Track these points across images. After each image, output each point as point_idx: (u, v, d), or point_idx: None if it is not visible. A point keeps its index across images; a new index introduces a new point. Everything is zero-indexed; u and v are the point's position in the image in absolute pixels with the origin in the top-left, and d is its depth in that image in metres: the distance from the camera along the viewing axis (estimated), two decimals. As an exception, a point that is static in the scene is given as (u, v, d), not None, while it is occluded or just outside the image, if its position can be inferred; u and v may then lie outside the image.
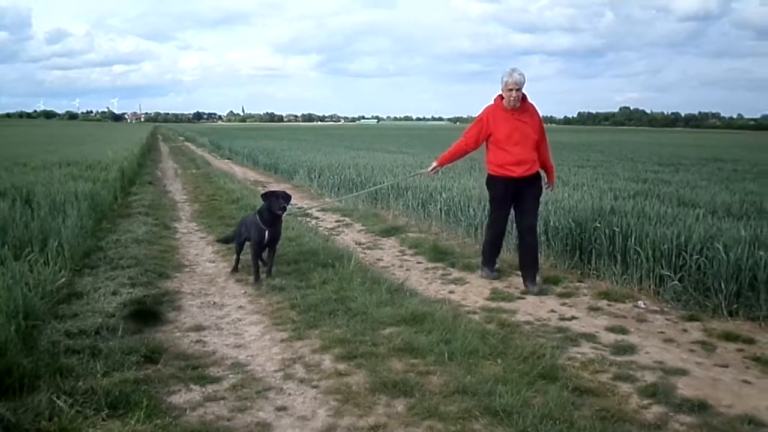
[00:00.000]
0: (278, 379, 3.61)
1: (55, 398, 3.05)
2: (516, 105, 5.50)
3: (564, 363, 3.75)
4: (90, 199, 8.18)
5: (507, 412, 3.01)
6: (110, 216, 9.14)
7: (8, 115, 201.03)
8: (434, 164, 6.05)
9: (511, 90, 5.43)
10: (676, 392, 3.42)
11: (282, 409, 3.23)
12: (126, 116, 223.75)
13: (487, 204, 6.13)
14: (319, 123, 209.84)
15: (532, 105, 5.69)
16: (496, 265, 6.06)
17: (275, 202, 5.68)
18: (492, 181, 5.74)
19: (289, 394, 3.41)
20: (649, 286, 5.49)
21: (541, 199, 5.83)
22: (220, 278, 5.94)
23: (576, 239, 6.32)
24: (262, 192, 6.08)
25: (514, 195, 5.63)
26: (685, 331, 4.55)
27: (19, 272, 4.54)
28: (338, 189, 12.17)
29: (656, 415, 3.14)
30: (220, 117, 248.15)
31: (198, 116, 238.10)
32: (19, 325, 3.73)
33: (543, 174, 5.81)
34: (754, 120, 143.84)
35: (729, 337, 4.36)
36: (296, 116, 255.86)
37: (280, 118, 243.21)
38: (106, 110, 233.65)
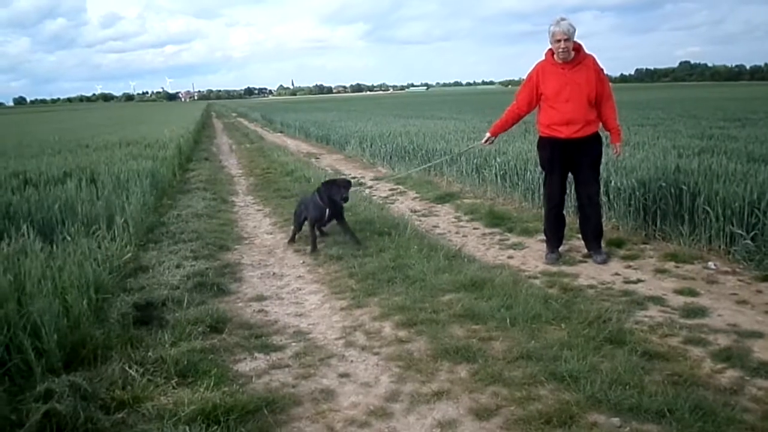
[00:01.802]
0: (340, 346, 3.64)
1: (127, 368, 3.16)
2: (567, 58, 4.90)
3: (631, 327, 3.63)
4: (150, 177, 8.40)
5: (574, 377, 2.94)
6: (170, 192, 9.38)
7: (69, 100, 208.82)
8: (487, 135, 5.67)
9: (559, 41, 4.84)
10: (752, 356, 3.26)
11: (345, 375, 3.25)
12: (180, 95, 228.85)
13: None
14: (369, 93, 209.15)
15: (590, 57, 5.06)
16: (561, 247, 5.41)
17: (336, 192, 5.64)
18: (540, 143, 5.32)
19: (351, 361, 3.43)
20: (720, 247, 5.24)
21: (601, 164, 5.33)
22: (278, 249, 6.02)
23: (639, 200, 6.08)
24: (323, 181, 6.02)
25: (566, 160, 5.10)
26: (760, 292, 4.33)
27: (89, 249, 4.72)
28: (390, 157, 12.11)
29: (731, 380, 3.00)
30: (270, 91, 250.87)
31: (249, 92, 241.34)
32: (90, 298, 3.88)
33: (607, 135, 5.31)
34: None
35: (808, 297, 4.13)
36: (345, 87, 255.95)
37: (330, 90, 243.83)
38: (160, 90, 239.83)
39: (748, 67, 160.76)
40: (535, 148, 5.71)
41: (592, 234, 5.28)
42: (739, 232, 5.06)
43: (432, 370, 3.22)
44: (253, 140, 20.67)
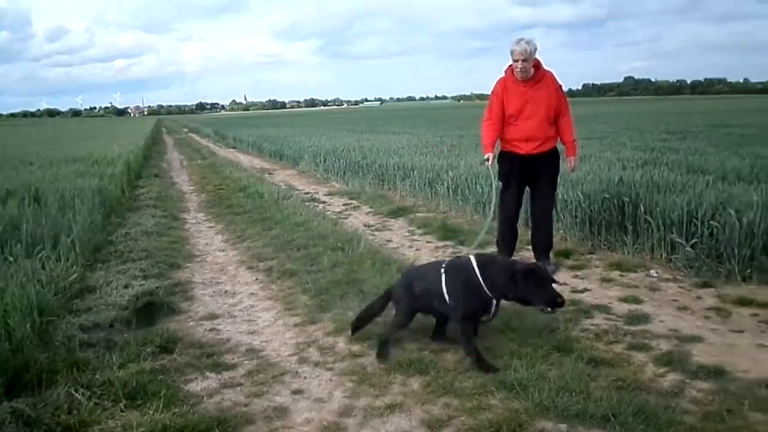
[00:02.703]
0: (293, 363, 3.62)
1: (73, 392, 3.07)
2: (526, 76, 5.03)
3: (578, 335, 3.75)
4: (98, 194, 8.21)
5: (523, 385, 3.01)
6: (119, 210, 9.16)
7: (12, 115, 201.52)
8: (487, 156, 5.22)
9: (517, 61, 4.97)
10: (692, 359, 3.40)
11: (298, 392, 3.25)
12: (129, 110, 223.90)
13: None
14: (323, 108, 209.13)
15: (549, 73, 5.18)
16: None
17: (547, 292, 3.44)
18: (500, 157, 5.35)
19: (305, 377, 3.42)
20: (661, 255, 5.45)
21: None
22: (230, 266, 5.96)
23: (585, 212, 6.28)
24: (518, 268, 3.49)
25: (524, 174, 5.22)
26: (699, 298, 4.52)
27: (32, 270, 4.57)
28: (344, 173, 12.15)
29: (673, 383, 3.13)
30: (223, 107, 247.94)
31: (201, 107, 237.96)
32: (34, 321, 3.76)
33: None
34: (761, 83, 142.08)
35: (743, 302, 4.33)
36: (299, 102, 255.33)
37: (283, 105, 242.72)
38: (109, 105, 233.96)
39: (688, 82, 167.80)
40: (492, 164, 5.80)
41: (542, 246, 5.40)
42: (679, 240, 5.28)
43: (385, 383, 3.24)
44: (205, 156, 20.40)
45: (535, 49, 5.01)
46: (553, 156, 5.26)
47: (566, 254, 5.73)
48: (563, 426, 2.70)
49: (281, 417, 2.99)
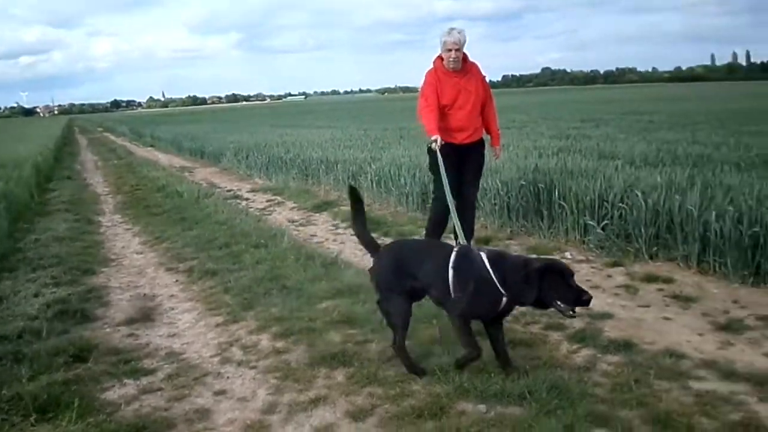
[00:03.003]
0: (215, 363, 3.55)
1: (-24, 410, 2.90)
2: (458, 67, 5.00)
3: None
4: (3, 199, 7.74)
5: (444, 371, 3.08)
6: (27, 215, 8.67)
7: None
8: (434, 137, 4.82)
9: (450, 50, 4.91)
10: (603, 335, 3.58)
11: (221, 393, 3.19)
12: (38, 110, 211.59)
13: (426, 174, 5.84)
14: (245, 103, 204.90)
15: (475, 64, 5.18)
16: None
17: (570, 290, 2.93)
18: (430, 148, 5.06)
19: (228, 377, 3.37)
20: (575, 237, 5.70)
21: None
22: (149, 269, 5.77)
23: (504, 199, 6.47)
24: (539, 268, 2.94)
25: (456, 164, 5.08)
26: (610, 276, 4.76)
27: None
28: (267, 168, 11.98)
29: (585, 358, 3.29)
30: (139, 104, 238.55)
31: (116, 105, 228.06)
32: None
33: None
34: (668, 72, 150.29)
35: (650, 278, 4.60)
36: (220, 98, 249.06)
37: (204, 101, 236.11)
38: (15, 105, 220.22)
39: (602, 72, 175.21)
40: (411, 154, 5.84)
41: (467, 235, 5.46)
42: (591, 223, 5.54)
43: (309, 377, 3.23)
44: (121, 156, 19.61)
45: (466, 39, 5.01)
46: (481, 146, 5.32)
47: (486, 241, 5.88)
48: (482, 406, 2.78)
49: (203, 419, 2.93)
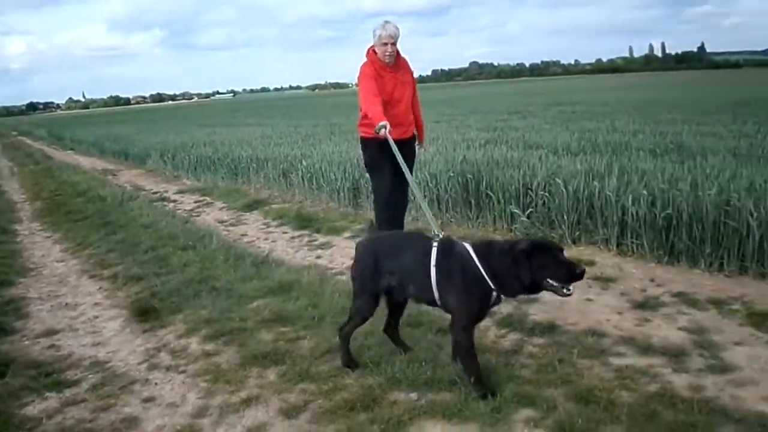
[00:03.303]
0: (143, 370, 3.45)
1: None
2: (392, 61, 4.83)
3: (427, 309, 3.89)
4: None
5: (376, 362, 3.11)
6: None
7: None
8: (383, 123, 4.46)
9: (386, 44, 4.73)
10: (529, 319, 3.69)
11: (149, 400, 3.10)
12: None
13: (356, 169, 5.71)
14: (171, 102, 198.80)
15: (405, 60, 5.03)
16: None
17: (561, 267, 2.72)
18: (368, 145, 4.94)
19: (156, 383, 3.28)
20: (503, 226, 5.86)
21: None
22: (71, 277, 5.53)
23: (433, 191, 6.57)
24: (524, 248, 2.72)
25: (394, 161, 4.64)
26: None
27: None
28: (195, 168, 11.68)
29: (512, 342, 3.38)
30: (58, 106, 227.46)
31: (32, 107, 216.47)
32: None
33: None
34: (590, 64, 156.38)
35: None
36: (145, 98, 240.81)
37: (127, 101, 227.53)
38: None
39: (527, 65, 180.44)
40: (342, 149, 5.69)
41: (399, 224, 5.28)
42: (517, 211, 5.69)
43: (241, 378, 3.19)
44: (38, 161, 18.65)
45: (400, 33, 4.87)
46: (413, 141, 5.20)
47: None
48: (413, 395, 2.82)
49: (131, 428, 2.85)
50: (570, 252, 4.96)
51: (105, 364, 3.58)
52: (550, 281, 2.70)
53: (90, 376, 3.43)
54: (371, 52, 4.88)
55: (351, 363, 3.14)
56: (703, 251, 4.51)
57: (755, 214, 4.32)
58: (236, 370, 3.28)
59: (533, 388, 2.81)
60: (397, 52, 4.91)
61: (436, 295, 2.87)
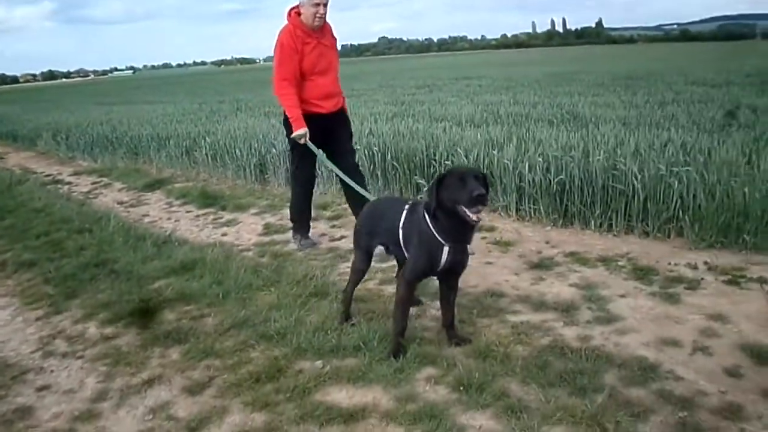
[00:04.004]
0: (37, 359, 3.28)
1: None
2: (320, 25, 4.39)
3: (335, 279, 3.94)
4: None
5: (281, 334, 3.11)
6: None
7: None
8: (303, 131, 4.41)
9: (318, 5, 4.29)
10: (432, 284, 3.78)
11: (44, 388, 2.96)
12: None
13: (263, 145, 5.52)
14: (65, 80, 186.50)
15: (329, 25, 4.58)
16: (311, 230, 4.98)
17: (463, 189, 2.66)
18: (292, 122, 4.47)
19: (51, 371, 3.13)
20: (409, 197, 5.94)
21: None
22: (-48, 268, 5.14)
23: (340, 164, 6.56)
24: (437, 176, 2.85)
25: (324, 136, 4.56)
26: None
27: None
28: (92, 148, 11.06)
29: (416, 309, 3.46)
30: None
31: None
32: None
33: None
34: (496, 39, 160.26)
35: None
36: (35, 75, 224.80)
37: (15, 80, 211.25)
38: None
39: (435, 40, 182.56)
40: (248, 125, 5.46)
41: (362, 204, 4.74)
42: (421, 181, 5.81)
43: (142, 359, 3.10)
44: None
45: None
46: (345, 111, 4.83)
47: (324, 206, 5.93)
48: (319, 363, 2.85)
49: (25, 417, 2.71)
50: (473, 219, 5.14)
51: (-6, 356, 3.37)
52: (461, 207, 2.66)
53: (-23, 368, 3.23)
54: (293, 14, 4.42)
55: (345, 317, 3.25)
56: (594, 213, 4.80)
57: (639, 177, 4.64)
58: (137, 351, 3.19)
59: (435, 348, 2.91)
60: None
61: (405, 252, 2.99)
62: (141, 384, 2.86)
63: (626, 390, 2.51)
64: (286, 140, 4.65)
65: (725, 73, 15.79)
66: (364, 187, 4.58)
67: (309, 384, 2.67)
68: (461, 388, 2.55)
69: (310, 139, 4.43)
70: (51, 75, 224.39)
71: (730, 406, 2.38)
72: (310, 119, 4.42)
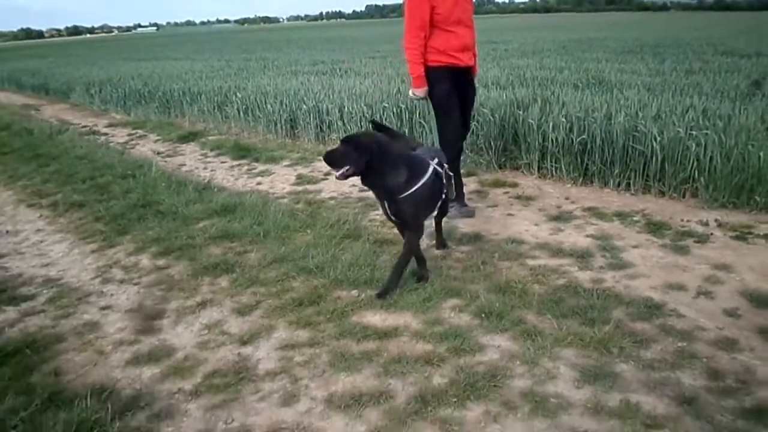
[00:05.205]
0: (96, 284, 3.63)
1: None
2: None
3: (365, 224, 4.24)
4: None
5: (320, 268, 3.42)
6: None
7: None
8: (423, 90, 4.22)
9: None
10: (458, 231, 4.08)
11: (107, 308, 3.31)
12: None
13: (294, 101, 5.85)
14: (89, 36, 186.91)
15: None
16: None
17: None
18: (436, 75, 4.17)
19: (111, 294, 3.48)
20: (434, 153, 6.18)
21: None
22: (7, 207, 5.51)
23: (368, 120, 6.80)
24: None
25: (460, 91, 4.26)
26: (464, 185, 5.25)
27: None
28: (124, 102, 11.39)
29: (442, 250, 3.76)
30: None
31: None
32: None
33: None
34: (524, 4, 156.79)
35: (498, 183, 5.19)
36: (60, 30, 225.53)
37: (40, 34, 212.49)
38: None
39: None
40: (277, 82, 5.74)
41: (458, 182, 4.44)
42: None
43: (194, 286, 3.44)
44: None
45: None
46: (473, 69, 4.47)
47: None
48: (355, 291, 3.17)
49: (93, 330, 3.06)
50: (495, 176, 5.41)
51: (57, 281, 3.73)
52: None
53: (44, 291, 3.59)
54: None
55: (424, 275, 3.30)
56: (613, 172, 5.00)
57: (658, 139, 4.82)
58: (188, 279, 3.52)
59: (459, 284, 3.20)
60: None
61: None
62: (195, 306, 3.20)
63: (632, 323, 2.78)
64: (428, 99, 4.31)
65: (757, 44, 15.56)
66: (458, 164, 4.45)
67: (346, 308, 2.98)
68: (482, 315, 2.85)
69: (451, 93, 4.20)
70: (75, 30, 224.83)
71: (725, 340, 2.64)
72: (449, 71, 4.17)
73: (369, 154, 2.92)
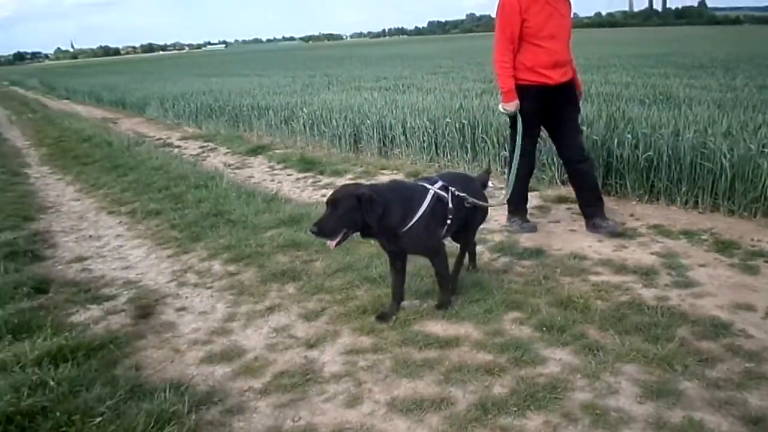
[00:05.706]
0: (173, 287, 3.85)
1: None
2: None
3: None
4: None
5: (383, 278, 3.52)
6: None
7: None
8: (513, 104, 4.09)
9: None
10: (519, 245, 4.11)
11: (182, 309, 3.51)
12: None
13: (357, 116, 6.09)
14: (162, 53, 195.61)
15: None
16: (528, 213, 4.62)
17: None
18: (521, 95, 4.05)
19: (186, 297, 3.68)
20: (497, 169, 6.21)
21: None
22: (89, 213, 5.89)
23: (431, 136, 6.91)
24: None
25: (547, 111, 4.16)
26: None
27: None
28: (196, 116, 11.92)
29: (503, 264, 3.80)
30: (46, 56, 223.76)
31: (20, 57, 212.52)
32: None
33: None
34: (588, 18, 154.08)
35: (560, 200, 5.17)
36: (135, 48, 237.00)
37: (117, 51, 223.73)
38: None
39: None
40: (342, 98, 5.98)
41: (594, 196, 4.35)
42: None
43: (263, 292, 3.60)
44: (35, 109, 18.73)
45: None
46: (574, 84, 4.30)
47: (415, 174, 6.29)
48: (417, 302, 3.26)
49: (170, 330, 3.26)
50: (558, 191, 5.39)
51: (137, 283, 3.97)
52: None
53: (125, 292, 3.83)
54: None
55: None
56: (680, 190, 4.91)
57: (728, 156, 4.71)
58: (258, 285, 3.70)
59: (521, 297, 3.24)
60: None
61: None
62: (264, 310, 3.36)
63: (697, 342, 2.75)
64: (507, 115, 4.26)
65: (837, 58, 14.86)
66: (594, 174, 4.39)
67: (409, 317, 3.07)
68: (543, 328, 2.88)
69: (535, 113, 4.11)
70: (150, 48, 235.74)
71: (797, 362, 2.58)
72: (536, 90, 4.04)
73: (368, 206, 2.76)
